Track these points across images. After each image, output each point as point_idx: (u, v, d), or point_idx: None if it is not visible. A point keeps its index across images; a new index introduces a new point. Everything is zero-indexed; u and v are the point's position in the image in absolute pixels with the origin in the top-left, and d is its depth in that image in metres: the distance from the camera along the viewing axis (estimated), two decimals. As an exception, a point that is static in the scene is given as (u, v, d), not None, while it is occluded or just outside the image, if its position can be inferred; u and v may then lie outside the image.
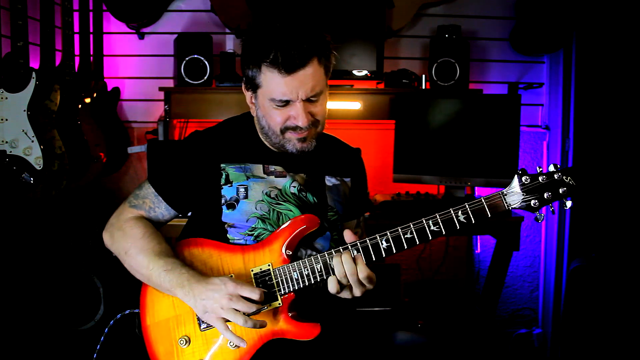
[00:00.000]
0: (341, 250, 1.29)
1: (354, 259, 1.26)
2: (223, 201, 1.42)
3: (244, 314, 1.20)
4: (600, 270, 2.48)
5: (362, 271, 1.26)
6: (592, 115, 2.82)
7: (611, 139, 2.79)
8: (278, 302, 1.31)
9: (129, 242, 1.37)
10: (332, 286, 1.28)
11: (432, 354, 1.42)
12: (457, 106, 2.68)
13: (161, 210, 1.44)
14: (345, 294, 1.30)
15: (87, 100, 2.61)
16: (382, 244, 1.29)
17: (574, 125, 2.85)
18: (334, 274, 1.28)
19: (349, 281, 1.26)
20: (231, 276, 1.29)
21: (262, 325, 1.23)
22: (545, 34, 2.82)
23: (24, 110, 2.21)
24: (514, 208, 1.27)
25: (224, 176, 1.43)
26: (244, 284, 1.24)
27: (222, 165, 1.44)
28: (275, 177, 1.45)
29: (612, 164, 2.78)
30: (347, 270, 1.25)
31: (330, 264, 1.29)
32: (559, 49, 2.90)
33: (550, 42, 2.84)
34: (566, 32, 2.82)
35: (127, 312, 1.48)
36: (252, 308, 1.20)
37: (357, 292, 1.28)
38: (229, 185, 1.42)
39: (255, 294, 1.21)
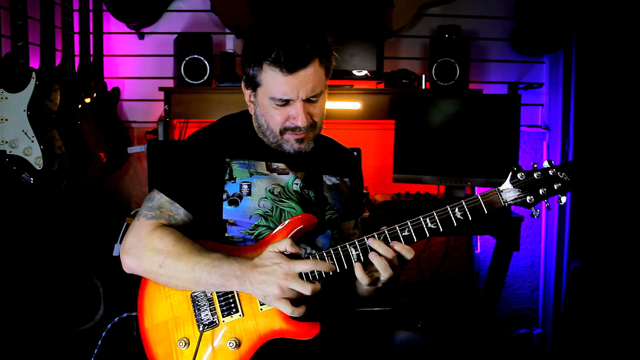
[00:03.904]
0: (368, 245, 1.28)
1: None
2: (225, 197, 1.41)
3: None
4: (600, 270, 2.48)
5: (402, 248, 1.28)
6: (592, 115, 2.82)
7: (611, 139, 2.79)
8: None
9: (162, 254, 1.31)
10: (385, 271, 1.27)
11: (432, 354, 1.41)
12: (457, 106, 2.68)
13: (181, 216, 1.40)
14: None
15: (87, 100, 2.61)
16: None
17: (574, 125, 2.86)
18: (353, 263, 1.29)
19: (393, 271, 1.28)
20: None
21: (316, 289, 1.23)
22: (545, 34, 2.82)
23: (24, 110, 2.22)
24: (510, 204, 1.29)
25: (227, 171, 1.42)
26: (295, 260, 1.25)
27: (227, 159, 1.43)
28: (278, 174, 1.45)
29: (612, 164, 2.78)
30: (386, 254, 1.26)
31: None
32: (559, 49, 2.90)
33: (550, 42, 2.84)
34: (566, 32, 2.82)
35: (125, 315, 1.46)
36: (308, 288, 1.21)
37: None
38: (232, 181, 1.42)
39: (308, 266, 1.24)
